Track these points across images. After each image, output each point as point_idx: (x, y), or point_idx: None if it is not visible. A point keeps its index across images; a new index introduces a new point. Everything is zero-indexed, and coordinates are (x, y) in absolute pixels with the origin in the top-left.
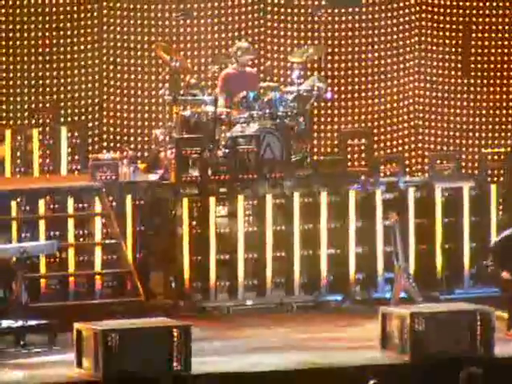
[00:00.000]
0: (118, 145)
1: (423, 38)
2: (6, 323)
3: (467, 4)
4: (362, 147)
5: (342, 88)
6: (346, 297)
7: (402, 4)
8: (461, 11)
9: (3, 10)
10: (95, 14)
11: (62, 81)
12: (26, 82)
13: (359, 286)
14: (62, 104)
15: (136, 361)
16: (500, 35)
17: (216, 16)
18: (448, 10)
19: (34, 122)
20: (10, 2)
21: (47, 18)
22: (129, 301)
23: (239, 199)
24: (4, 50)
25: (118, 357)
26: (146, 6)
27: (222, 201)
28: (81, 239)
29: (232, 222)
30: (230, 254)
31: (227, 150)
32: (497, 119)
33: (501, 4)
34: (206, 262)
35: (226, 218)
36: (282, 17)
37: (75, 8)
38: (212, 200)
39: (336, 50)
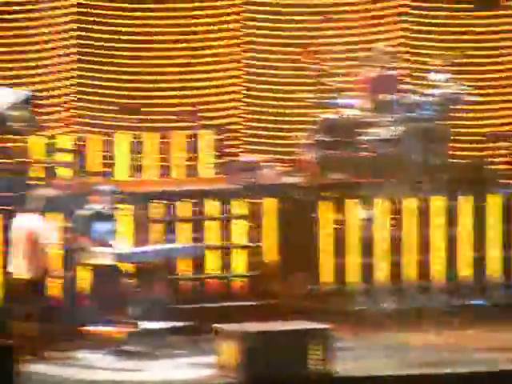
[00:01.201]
0: (259, 147)
1: None
2: (148, 325)
3: None
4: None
5: (483, 91)
6: (487, 300)
7: None
8: None
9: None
10: (239, 15)
11: (204, 84)
12: (169, 86)
13: (502, 290)
14: (205, 107)
15: (276, 363)
16: None
17: (358, 19)
18: None
19: (176, 125)
20: None
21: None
22: (268, 303)
23: (380, 202)
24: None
25: (258, 359)
26: (286, 9)
27: (362, 203)
28: (221, 241)
29: (372, 225)
30: (369, 257)
31: (369, 153)
32: None
33: None
34: (346, 265)
35: (367, 220)
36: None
37: (216, 13)
38: (352, 202)
39: (476, 52)
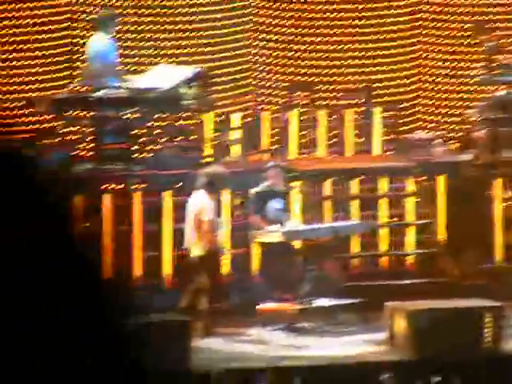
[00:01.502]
0: (432, 125)
1: None
2: (318, 302)
3: None
4: None
5: None
6: None
7: None
8: None
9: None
10: None
11: (376, 61)
12: (340, 63)
13: None
14: (376, 85)
15: (448, 341)
16: None
17: None
18: None
19: (348, 102)
20: None
21: None
22: (440, 281)
23: None
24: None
25: (430, 337)
26: None
27: None
28: (393, 219)
29: None
30: None
31: None
32: None
33: None
34: None
35: None
36: None
37: None
38: None
39: None
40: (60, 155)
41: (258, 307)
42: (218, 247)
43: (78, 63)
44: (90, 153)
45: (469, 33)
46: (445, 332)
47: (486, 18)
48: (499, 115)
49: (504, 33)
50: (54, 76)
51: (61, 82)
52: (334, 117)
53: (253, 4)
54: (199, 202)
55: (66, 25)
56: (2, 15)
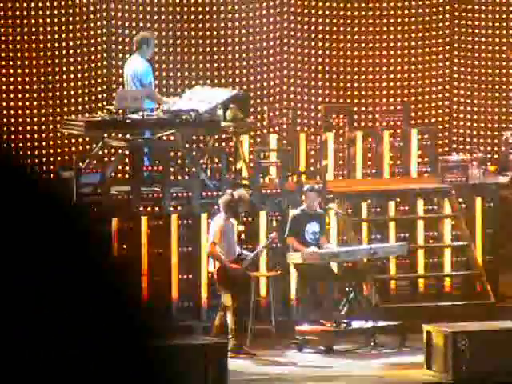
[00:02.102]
0: (468, 147)
1: None
2: (356, 324)
3: None
4: None
5: None
6: None
7: None
8: None
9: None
10: (447, 16)
11: (413, 83)
12: (377, 85)
13: None
14: (412, 106)
15: (486, 364)
16: None
17: None
18: None
19: (384, 123)
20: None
21: (396, 19)
22: (478, 303)
23: None
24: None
25: (468, 359)
26: (497, 8)
27: None
28: (430, 241)
29: None
30: None
31: None
32: None
33: None
34: None
35: None
36: None
37: (426, 11)
38: None
39: None
40: (97, 178)
41: (296, 329)
42: (236, 269)
43: (115, 85)
44: (127, 175)
45: (504, 50)
46: (483, 354)
47: None
48: None
49: None
50: (91, 98)
51: (98, 104)
52: (372, 138)
53: (290, 26)
54: (212, 224)
55: (103, 47)
56: (41, 37)
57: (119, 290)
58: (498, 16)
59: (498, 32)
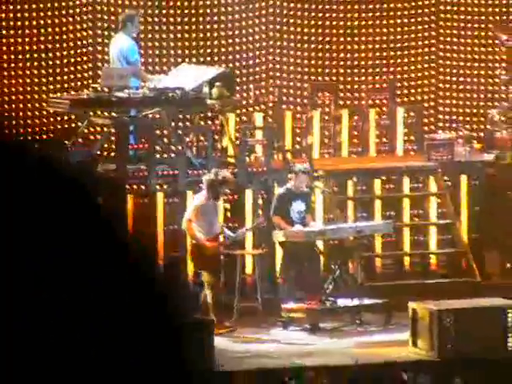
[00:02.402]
0: (454, 125)
1: None
2: (342, 302)
3: None
4: None
5: None
6: None
7: None
8: None
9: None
10: None
11: (399, 61)
12: (362, 63)
13: None
14: (399, 84)
15: (471, 341)
16: None
17: None
18: None
19: (370, 102)
20: None
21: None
22: (464, 281)
23: None
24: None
25: (454, 337)
26: None
27: None
28: (416, 219)
29: None
30: None
31: None
32: None
33: None
34: None
35: None
36: None
37: None
38: None
39: None
40: (82, 155)
41: (281, 307)
42: (210, 247)
43: (101, 63)
44: (112, 153)
45: (489, 27)
46: (468, 332)
47: (507, 18)
48: None
49: None
50: (76, 76)
51: (83, 82)
52: (357, 116)
53: (276, 4)
54: (192, 202)
55: (88, 24)
56: (26, 15)
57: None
58: None
59: (483, 10)
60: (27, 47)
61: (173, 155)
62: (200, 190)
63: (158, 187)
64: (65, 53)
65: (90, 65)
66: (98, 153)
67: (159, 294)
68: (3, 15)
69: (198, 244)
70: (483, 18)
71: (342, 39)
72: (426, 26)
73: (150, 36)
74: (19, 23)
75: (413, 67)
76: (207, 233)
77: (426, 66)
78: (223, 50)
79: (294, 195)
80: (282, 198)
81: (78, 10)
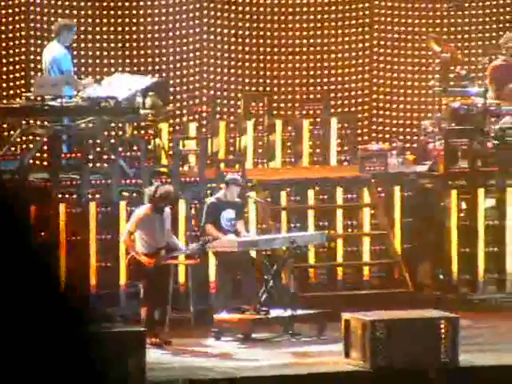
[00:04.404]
0: (387, 136)
1: None
2: (274, 312)
3: None
4: None
5: None
6: None
7: None
8: None
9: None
10: (366, 5)
11: (333, 72)
12: (297, 73)
13: None
14: (333, 95)
15: (404, 352)
16: None
17: (486, 7)
18: None
19: (304, 112)
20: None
21: (316, 9)
22: (397, 292)
23: (508, 191)
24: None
25: (386, 348)
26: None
27: (490, 192)
28: (349, 230)
29: (500, 214)
30: (498, 247)
31: (496, 142)
32: None
33: None
34: (475, 254)
35: (495, 209)
36: None
37: (346, 0)
38: (481, 192)
39: None
40: (14, 165)
41: (214, 317)
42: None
43: (34, 72)
44: (45, 162)
45: (424, 43)
46: (401, 343)
47: (440, 30)
48: (454, 126)
49: (458, 44)
50: (9, 85)
51: (16, 91)
52: (291, 126)
53: (210, 14)
54: (133, 213)
55: (21, 33)
56: None
57: (36, 276)
58: (417, 6)
59: (417, 21)
60: None
61: (106, 164)
62: (136, 200)
63: (90, 197)
64: None
65: (23, 73)
66: (31, 161)
67: (62, 306)
68: None
69: (134, 257)
70: (417, 29)
71: (276, 49)
72: (361, 37)
73: (82, 45)
74: None
75: (347, 78)
76: (149, 245)
77: (360, 76)
78: (157, 59)
79: (224, 205)
80: (213, 207)
81: (10, 19)
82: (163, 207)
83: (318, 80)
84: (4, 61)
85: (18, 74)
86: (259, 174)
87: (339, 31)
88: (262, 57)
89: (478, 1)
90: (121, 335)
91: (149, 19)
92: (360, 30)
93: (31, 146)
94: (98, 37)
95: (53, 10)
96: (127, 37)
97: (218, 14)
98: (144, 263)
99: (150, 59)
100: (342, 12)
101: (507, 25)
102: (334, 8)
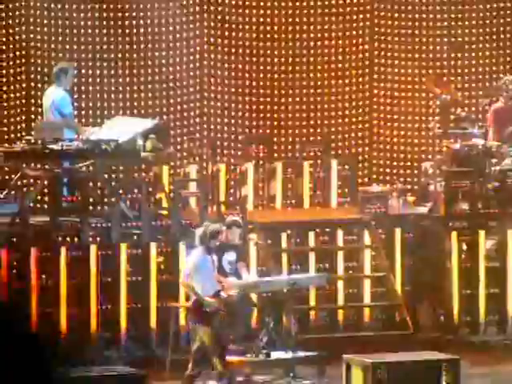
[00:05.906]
0: (388, 177)
1: None
2: (275, 354)
3: None
4: None
5: None
6: None
7: None
8: None
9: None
10: (366, 46)
11: (333, 114)
12: (297, 115)
13: None
14: (333, 137)
15: None
16: None
17: (486, 49)
18: None
19: (305, 154)
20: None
21: (317, 51)
22: (398, 334)
23: (509, 233)
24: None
25: None
26: (417, 39)
27: (491, 234)
28: (350, 271)
29: (501, 256)
30: (499, 288)
31: (497, 184)
32: None
33: None
34: (475, 296)
35: (495, 251)
36: None
37: (346, 42)
38: (481, 233)
39: None
40: (15, 208)
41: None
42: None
43: (34, 116)
44: (46, 205)
45: (423, 85)
46: None
47: (441, 71)
48: (455, 168)
49: (459, 86)
50: (10, 128)
51: (17, 134)
52: (291, 169)
53: (210, 57)
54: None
55: (22, 77)
56: None
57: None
58: (417, 42)
59: (417, 63)
60: None
61: (106, 207)
62: (135, 242)
63: (91, 239)
64: None
65: (24, 117)
66: (31, 204)
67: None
68: None
69: (199, 300)
70: (417, 71)
71: (275, 92)
72: (361, 79)
73: (83, 88)
74: None
75: (347, 119)
76: (204, 289)
77: (360, 118)
78: (157, 102)
79: (225, 247)
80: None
81: (11, 63)
82: (210, 247)
83: (318, 121)
84: (5, 104)
85: (18, 118)
86: (260, 217)
87: (339, 73)
88: (261, 98)
89: (478, 42)
90: (121, 378)
91: (149, 62)
92: (360, 71)
93: (32, 189)
94: (98, 79)
95: (53, 54)
96: (127, 79)
97: (219, 56)
98: (209, 306)
99: (150, 102)
100: (342, 54)
101: (507, 67)
102: (333, 50)
